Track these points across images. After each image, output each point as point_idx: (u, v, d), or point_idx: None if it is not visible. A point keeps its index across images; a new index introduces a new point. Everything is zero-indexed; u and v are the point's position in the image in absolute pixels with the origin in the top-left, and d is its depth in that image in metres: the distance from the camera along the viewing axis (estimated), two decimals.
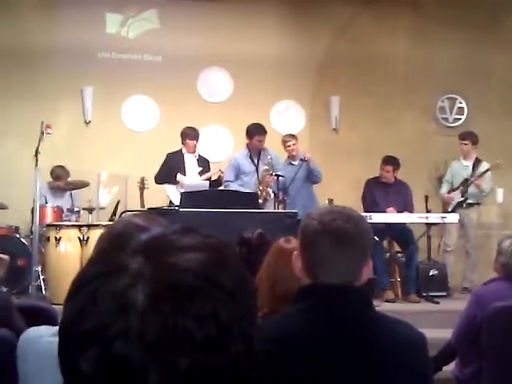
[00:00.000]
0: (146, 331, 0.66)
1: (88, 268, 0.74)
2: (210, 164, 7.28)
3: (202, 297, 0.69)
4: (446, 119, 9.00)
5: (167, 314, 0.67)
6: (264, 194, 6.64)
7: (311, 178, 7.08)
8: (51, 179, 7.10)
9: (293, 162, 7.12)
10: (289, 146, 7.11)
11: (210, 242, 0.76)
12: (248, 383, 0.73)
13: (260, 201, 6.51)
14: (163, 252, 0.72)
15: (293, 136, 7.23)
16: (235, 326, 0.70)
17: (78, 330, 0.69)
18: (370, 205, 6.89)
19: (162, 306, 0.67)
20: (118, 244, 0.74)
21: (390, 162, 7.01)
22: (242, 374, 0.72)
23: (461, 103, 8.97)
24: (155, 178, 7.03)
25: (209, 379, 0.68)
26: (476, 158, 7.42)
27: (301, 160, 6.98)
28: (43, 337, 1.79)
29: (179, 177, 6.93)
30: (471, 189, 7.26)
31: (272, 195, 6.71)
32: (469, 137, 7.42)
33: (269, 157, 6.82)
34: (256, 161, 6.91)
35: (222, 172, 7.03)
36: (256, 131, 6.84)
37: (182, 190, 6.56)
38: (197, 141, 7.11)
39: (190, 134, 7.04)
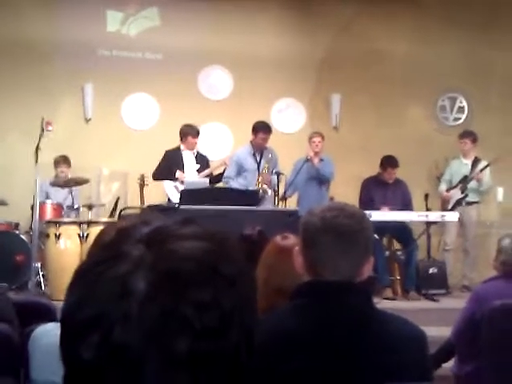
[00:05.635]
0: (145, 317, 0.67)
1: (90, 257, 0.75)
2: (209, 161, 7.28)
3: (202, 284, 0.70)
4: (447, 118, 9.00)
5: (166, 300, 0.68)
6: (261, 191, 6.63)
7: (319, 177, 7.04)
8: (54, 169, 7.13)
9: (309, 160, 6.99)
10: (314, 142, 7.04)
11: (210, 231, 0.77)
12: (245, 372, 0.73)
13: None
14: (164, 240, 0.73)
15: (320, 134, 7.15)
16: (235, 315, 0.71)
17: (79, 316, 0.69)
18: (366, 205, 6.86)
19: (161, 292, 0.68)
20: (121, 235, 0.75)
21: (396, 164, 6.99)
22: (240, 362, 0.72)
23: (461, 102, 8.98)
24: (153, 174, 7.05)
25: (207, 366, 0.69)
26: (475, 157, 7.46)
27: (306, 159, 6.94)
28: (51, 330, 1.84)
29: (179, 174, 6.94)
30: (471, 185, 7.30)
31: (269, 192, 6.71)
32: (468, 136, 7.48)
33: (269, 155, 6.82)
34: (259, 159, 6.91)
35: (226, 164, 7.04)
36: (261, 128, 6.84)
37: (181, 187, 6.56)
38: (198, 137, 7.15)
39: (191, 133, 7.06)
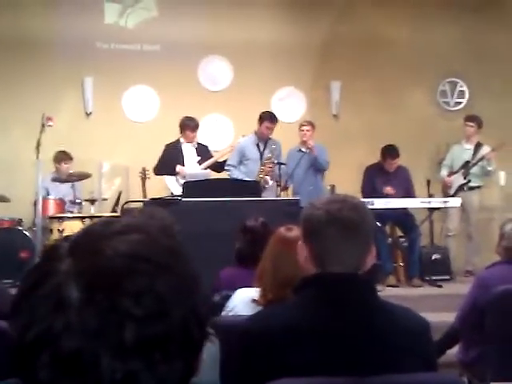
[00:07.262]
0: (86, 320, 0.69)
1: (21, 285, 0.77)
2: (210, 150, 7.26)
3: (134, 275, 0.72)
4: (447, 103, 8.97)
5: (102, 300, 0.70)
6: (262, 182, 6.65)
7: (316, 165, 7.06)
8: (54, 166, 7.12)
9: (302, 149, 7.07)
10: (302, 131, 7.05)
11: (136, 223, 0.79)
12: (199, 345, 0.77)
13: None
14: (88, 245, 0.75)
15: (309, 123, 7.17)
16: (174, 295, 0.74)
17: (25, 342, 0.71)
18: (369, 193, 6.87)
19: (95, 294, 0.70)
20: (45, 256, 0.78)
21: (397, 154, 6.99)
22: (192, 337, 0.75)
23: (462, 87, 8.94)
24: (154, 169, 7.05)
25: (159, 346, 0.72)
26: (478, 142, 7.46)
27: (306, 148, 6.96)
28: None
29: (179, 168, 6.93)
30: (473, 170, 7.30)
31: (270, 183, 6.72)
32: (474, 119, 7.49)
33: (273, 146, 6.84)
34: (262, 149, 6.93)
35: (233, 149, 7.04)
36: (267, 118, 6.89)
37: (183, 181, 6.57)
38: (197, 131, 7.14)
39: (190, 126, 7.04)
